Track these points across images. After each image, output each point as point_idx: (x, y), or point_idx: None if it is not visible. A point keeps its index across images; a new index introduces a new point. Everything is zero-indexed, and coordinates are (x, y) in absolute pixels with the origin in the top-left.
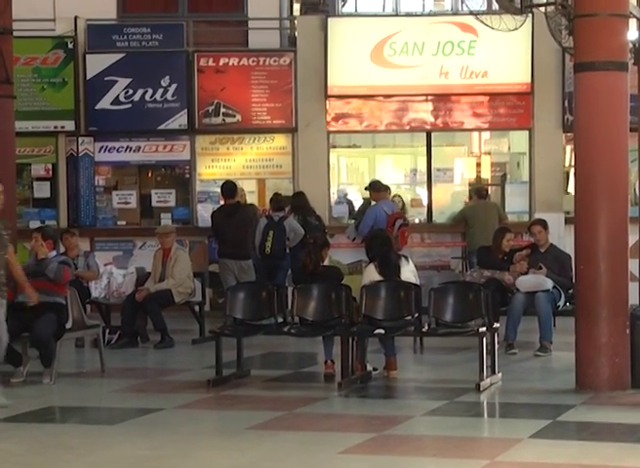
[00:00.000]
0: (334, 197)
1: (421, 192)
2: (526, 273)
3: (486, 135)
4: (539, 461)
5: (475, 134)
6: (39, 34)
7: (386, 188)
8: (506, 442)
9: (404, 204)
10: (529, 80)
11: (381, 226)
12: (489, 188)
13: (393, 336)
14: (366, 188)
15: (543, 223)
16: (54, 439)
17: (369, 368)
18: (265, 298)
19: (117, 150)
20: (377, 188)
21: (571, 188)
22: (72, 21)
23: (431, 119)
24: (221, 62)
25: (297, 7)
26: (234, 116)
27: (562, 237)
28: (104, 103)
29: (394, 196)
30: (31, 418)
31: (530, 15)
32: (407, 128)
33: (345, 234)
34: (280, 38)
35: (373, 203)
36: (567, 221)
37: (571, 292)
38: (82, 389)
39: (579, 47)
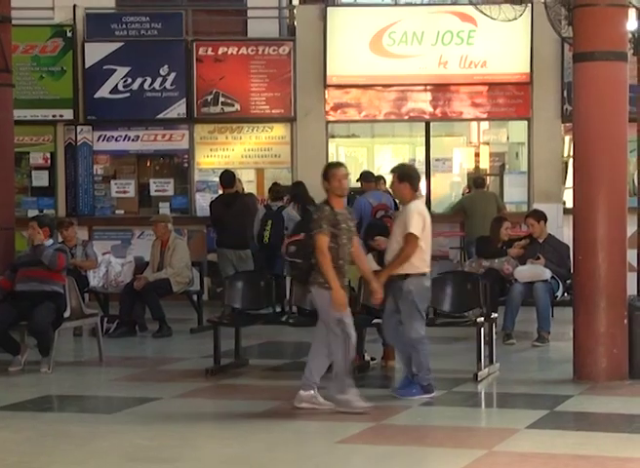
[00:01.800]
0: None
1: (420, 182)
2: (522, 259)
3: (485, 125)
4: (536, 451)
5: (474, 124)
6: (38, 23)
7: (377, 179)
8: (504, 432)
9: (391, 194)
10: (528, 70)
11: (367, 218)
12: (487, 178)
13: None
14: (358, 180)
15: (538, 215)
16: (52, 428)
17: (367, 357)
18: (264, 288)
19: (116, 139)
20: (365, 179)
21: (569, 179)
22: (71, 10)
23: (430, 109)
24: (220, 51)
25: None
26: (233, 105)
27: (560, 227)
28: (103, 92)
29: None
30: (29, 407)
31: (529, 5)
32: (406, 118)
33: None
34: (279, 27)
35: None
36: (565, 212)
37: (569, 282)
38: (80, 378)
39: (578, 37)
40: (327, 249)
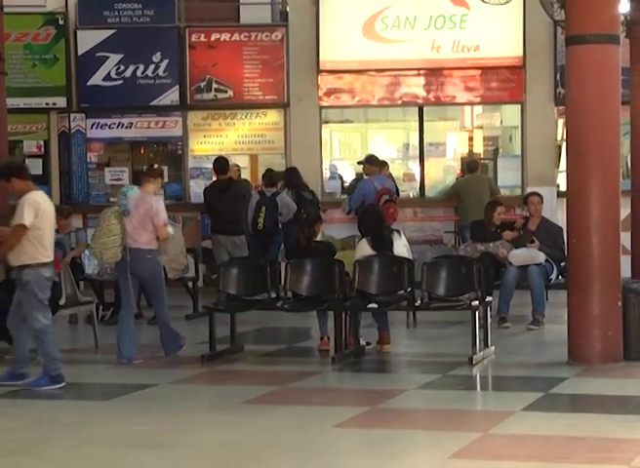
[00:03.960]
0: (326, 172)
1: (414, 167)
2: (516, 241)
3: (478, 109)
4: (531, 433)
5: (467, 108)
6: (30, 10)
7: (382, 164)
8: (499, 414)
9: (393, 180)
10: (521, 54)
11: (371, 201)
12: (480, 162)
13: (386, 311)
14: (359, 162)
15: (539, 196)
16: (49, 415)
17: (362, 342)
18: (259, 274)
19: (109, 127)
20: (371, 162)
21: (563, 162)
22: None
23: (423, 93)
24: (213, 38)
25: None
26: (226, 92)
27: (554, 210)
28: (96, 80)
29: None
30: (26, 395)
31: None
32: (399, 102)
33: (342, 208)
34: (272, 13)
35: (365, 177)
36: (559, 195)
37: (563, 265)
38: (76, 365)
39: (570, 20)
40: None
